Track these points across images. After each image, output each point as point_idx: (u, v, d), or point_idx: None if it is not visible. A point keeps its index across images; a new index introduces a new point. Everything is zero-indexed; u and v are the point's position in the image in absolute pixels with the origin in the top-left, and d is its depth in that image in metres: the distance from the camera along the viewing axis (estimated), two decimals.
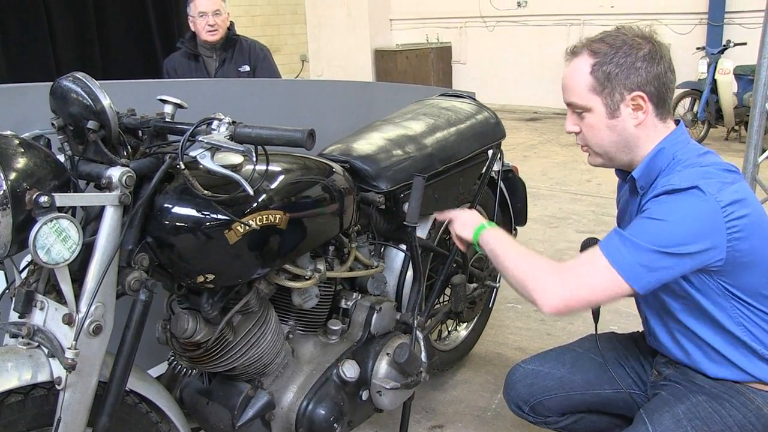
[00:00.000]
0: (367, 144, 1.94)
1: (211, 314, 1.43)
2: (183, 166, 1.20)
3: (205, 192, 1.23)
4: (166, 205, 1.28)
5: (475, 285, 2.37)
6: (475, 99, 2.43)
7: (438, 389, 2.43)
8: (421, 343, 1.88)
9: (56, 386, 1.17)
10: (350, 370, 1.69)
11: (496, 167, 2.36)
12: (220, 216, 1.29)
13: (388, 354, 1.80)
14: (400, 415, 2.01)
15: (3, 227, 1.07)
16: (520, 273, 1.37)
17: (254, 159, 1.18)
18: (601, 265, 1.29)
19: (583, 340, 1.73)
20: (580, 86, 1.40)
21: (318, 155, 1.86)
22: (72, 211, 1.25)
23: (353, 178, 1.76)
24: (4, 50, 4.24)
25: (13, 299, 1.25)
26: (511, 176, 2.55)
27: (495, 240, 1.49)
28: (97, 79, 1.24)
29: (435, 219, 2.11)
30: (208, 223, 1.29)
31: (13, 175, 1.08)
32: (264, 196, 1.37)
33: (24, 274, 1.28)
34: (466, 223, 1.60)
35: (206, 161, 1.18)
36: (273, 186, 1.41)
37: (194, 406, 1.63)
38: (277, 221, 1.39)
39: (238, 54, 3.38)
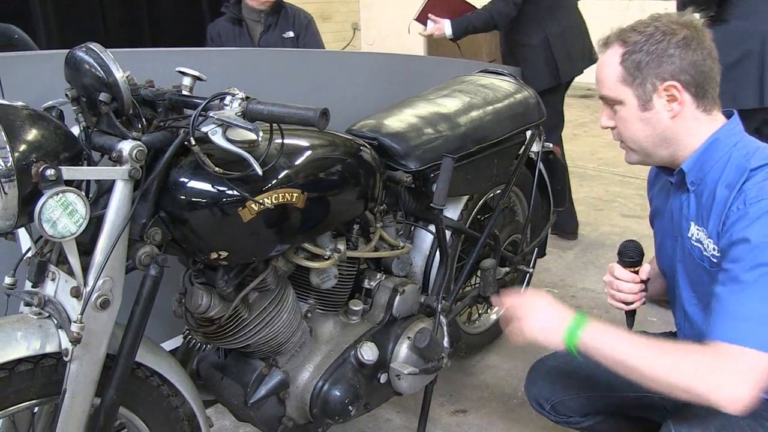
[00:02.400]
0: (398, 121, 1.88)
1: (226, 291, 1.41)
2: (194, 142, 1.17)
3: (216, 169, 1.20)
4: (180, 180, 1.26)
5: (507, 269, 2.30)
6: (516, 77, 2.33)
7: (464, 373, 2.39)
8: (445, 328, 1.83)
9: (63, 357, 1.17)
10: (368, 353, 1.66)
11: (535, 148, 2.27)
12: (233, 193, 1.26)
13: (409, 338, 1.76)
14: (422, 397, 1.98)
15: (9, 199, 1.06)
16: (671, 376, 1.14)
17: (260, 137, 1.14)
18: None
19: None
20: (610, 78, 1.31)
21: (346, 131, 1.81)
22: (85, 183, 1.24)
23: (381, 156, 1.71)
24: (55, 14, 4.31)
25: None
26: (551, 158, 2.46)
27: (605, 340, 1.20)
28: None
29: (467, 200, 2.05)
30: (221, 200, 1.26)
31: (20, 147, 1.06)
32: (280, 174, 1.33)
33: (40, 244, 1.28)
34: (547, 326, 1.28)
35: (217, 137, 1.15)
36: (290, 164, 1.37)
37: (210, 380, 1.63)
38: (293, 200, 1.36)
39: (283, 20, 3.35)
